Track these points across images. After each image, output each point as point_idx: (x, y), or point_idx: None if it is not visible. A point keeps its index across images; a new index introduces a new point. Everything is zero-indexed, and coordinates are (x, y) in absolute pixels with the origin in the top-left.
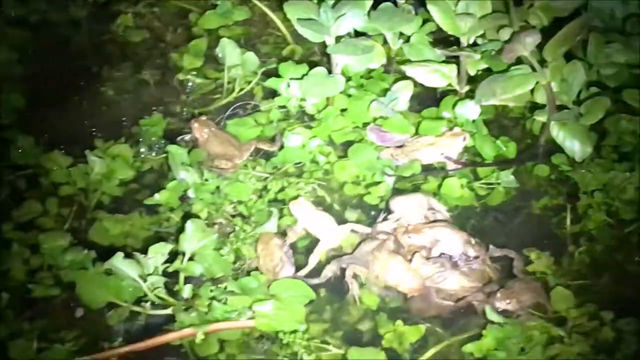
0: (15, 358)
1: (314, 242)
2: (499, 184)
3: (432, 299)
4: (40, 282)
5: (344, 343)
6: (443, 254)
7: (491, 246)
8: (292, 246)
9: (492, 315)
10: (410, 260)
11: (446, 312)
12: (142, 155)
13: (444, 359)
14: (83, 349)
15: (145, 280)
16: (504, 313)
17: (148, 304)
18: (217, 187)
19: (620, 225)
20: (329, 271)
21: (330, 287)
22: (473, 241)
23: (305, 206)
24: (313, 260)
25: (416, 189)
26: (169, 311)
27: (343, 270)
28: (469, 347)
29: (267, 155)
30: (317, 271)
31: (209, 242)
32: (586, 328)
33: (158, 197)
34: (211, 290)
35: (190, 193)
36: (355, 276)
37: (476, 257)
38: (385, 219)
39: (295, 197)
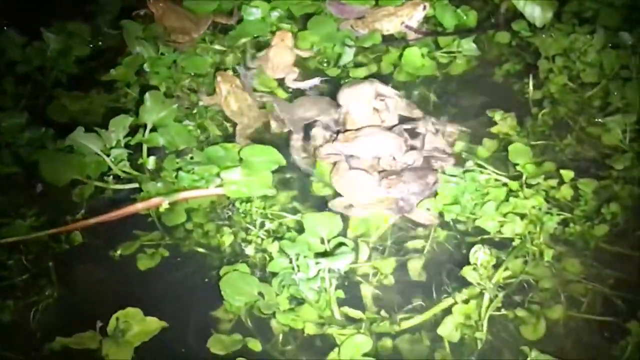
0: None
1: None
2: (460, 52)
3: None
4: None
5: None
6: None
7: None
8: None
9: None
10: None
11: None
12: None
13: None
14: (46, 224)
15: (108, 154)
16: None
17: (111, 178)
18: (174, 61)
19: (582, 88)
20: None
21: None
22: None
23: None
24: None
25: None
26: (134, 184)
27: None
28: (424, 203)
29: (225, 29)
30: None
31: (169, 113)
32: (543, 185)
33: (114, 73)
34: (177, 162)
35: (147, 67)
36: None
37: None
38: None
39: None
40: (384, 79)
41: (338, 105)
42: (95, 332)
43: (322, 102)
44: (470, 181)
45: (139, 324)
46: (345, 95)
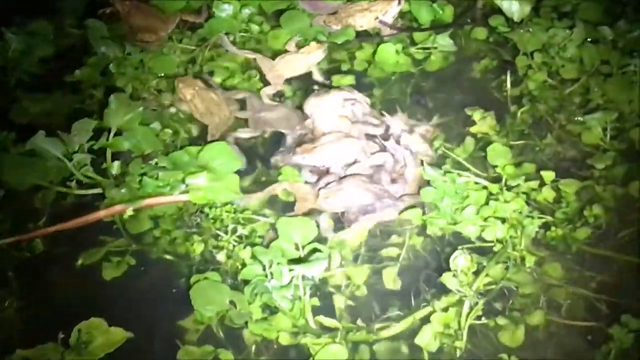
0: None
1: None
2: (435, 48)
3: None
4: None
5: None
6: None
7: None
8: None
9: (428, 174)
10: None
11: None
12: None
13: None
14: (6, 231)
15: (70, 159)
16: None
17: (74, 183)
18: (141, 61)
19: (562, 84)
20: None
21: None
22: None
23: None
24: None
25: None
26: (98, 190)
27: None
28: (404, 215)
29: (194, 27)
30: None
31: (135, 116)
32: (524, 187)
33: (79, 74)
34: (142, 167)
35: (112, 68)
36: None
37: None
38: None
39: (227, 68)
40: (358, 75)
41: (305, 117)
42: (57, 343)
43: (294, 117)
44: (450, 183)
45: (102, 335)
46: (312, 105)
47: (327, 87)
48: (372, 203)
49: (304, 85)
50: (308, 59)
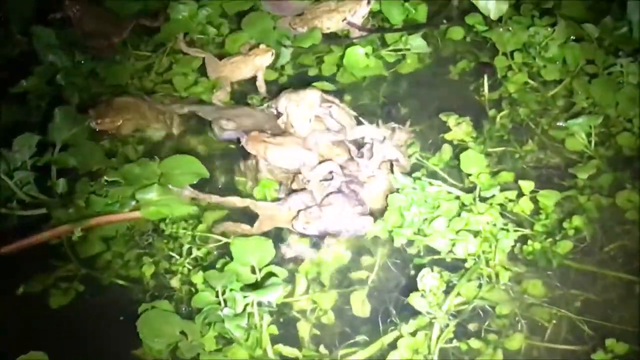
0: None
1: None
2: (408, 50)
3: None
4: None
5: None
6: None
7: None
8: None
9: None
10: None
11: None
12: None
13: None
14: None
15: (12, 177)
16: None
17: (15, 203)
18: (92, 70)
19: (544, 86)
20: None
21: None
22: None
23: None
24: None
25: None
26: (42, 210)
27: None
28: (372, 232)
29: (151, 32)
30: None
31: (80, 131)
32: (499, 198)
33: (24, 84)
34: (91, 185)
35: (60, 79)
36: None
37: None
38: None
39: (185, 75)
40: (327, 81)
41: (278, 115)
42: None
43: (259, 115)
44: (420, 191)
45: None
46: (285, 102)
47: (266, 98)
48: (348, 224)
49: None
50: (254, 62)
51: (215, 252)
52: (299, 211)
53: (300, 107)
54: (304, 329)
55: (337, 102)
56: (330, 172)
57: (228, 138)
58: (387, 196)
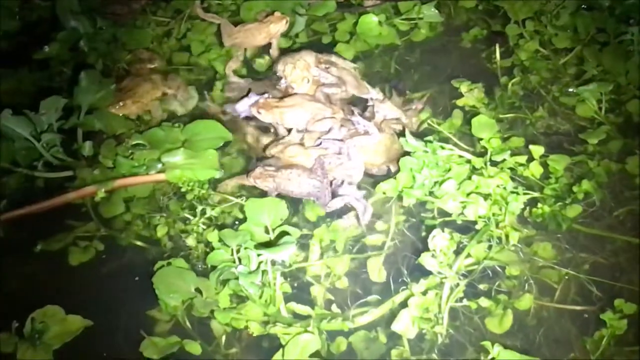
0: None
1: None
2: (421, 18)
3: None
4: None
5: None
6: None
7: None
8: None
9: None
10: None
11: None
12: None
13: None
14: None
15: (39, 140)
16: None
17: (42, 165)
18: (114, 36)
19: (555, 54)
20: None
21: None
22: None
23: None
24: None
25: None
26: (69, 172)
27: None
28: (381, 187)
29: None
30: None
31: (106, 95)
32: (510, 162)
33: (47, 50)
34: (115, 146)
35: (83, 44)
36: None
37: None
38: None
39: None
40: None
41: (278, 79)
42: (11, 333)
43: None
44: (432, 154)
45: (58, 324)
46: (282, 65)
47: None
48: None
49: None
50: (269, 30)
51: (227, 213)
52: (256, 166)
53: (297, 68)
54: (319, 293)
55: (340, 62)
56: (329, 130)
57: (247, 114)
58: (388, 156)
